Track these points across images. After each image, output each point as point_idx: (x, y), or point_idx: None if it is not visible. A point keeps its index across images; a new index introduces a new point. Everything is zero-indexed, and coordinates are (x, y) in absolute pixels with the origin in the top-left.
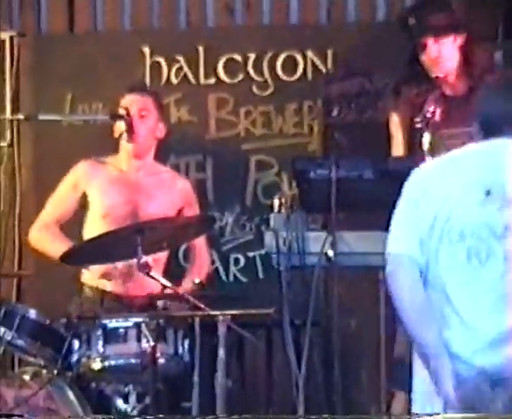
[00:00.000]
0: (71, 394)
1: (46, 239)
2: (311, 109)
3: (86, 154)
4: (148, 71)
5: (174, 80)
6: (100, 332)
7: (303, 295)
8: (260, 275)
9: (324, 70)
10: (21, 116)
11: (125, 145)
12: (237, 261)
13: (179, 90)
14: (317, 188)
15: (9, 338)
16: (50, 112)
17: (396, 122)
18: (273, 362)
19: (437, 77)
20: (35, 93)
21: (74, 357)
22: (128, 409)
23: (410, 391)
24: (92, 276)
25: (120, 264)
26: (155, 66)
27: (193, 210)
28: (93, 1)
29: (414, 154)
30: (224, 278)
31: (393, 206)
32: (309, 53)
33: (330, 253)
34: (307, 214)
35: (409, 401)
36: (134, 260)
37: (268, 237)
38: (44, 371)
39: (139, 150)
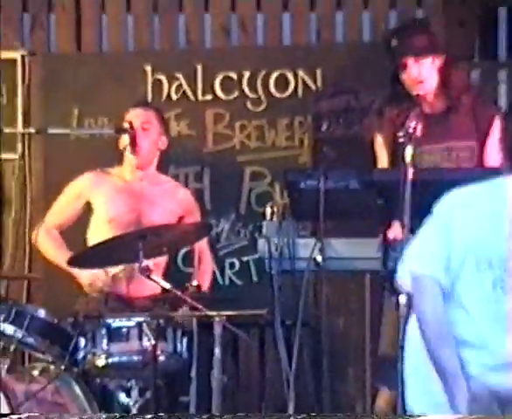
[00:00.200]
0: (77, 389)
1: (46, 243)
2: (302, 124)
3: (93, 166)
4: (150, 88)
5: (174, 97)
6: (104, 331)
7: (294, 297)
8: (254, 278)
9: (314, 88)
10: (32, 130)
11: (129, 157)
12: (232, 265)
13: (179, 106)
14: (307, 198)
15: (19, 336)
16: (58, 126)
17: (380, 143)
18: (265, 360)
19: (417, 95)
20: (45, 109)
21: (80, 354)
22: (130, 403)
23: (393, 388)
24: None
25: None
26: (157, 84)
27: (194, 218)
28: (98, 23)
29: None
30: (220, 280)
31: (378, 214)
32: (300, 72)
33: (319, 258)
34: (297, 222)
35: (394, 398)
36: (136, 264)
37: (261, 243)
38: (52, 367)
39: (142, 161)
